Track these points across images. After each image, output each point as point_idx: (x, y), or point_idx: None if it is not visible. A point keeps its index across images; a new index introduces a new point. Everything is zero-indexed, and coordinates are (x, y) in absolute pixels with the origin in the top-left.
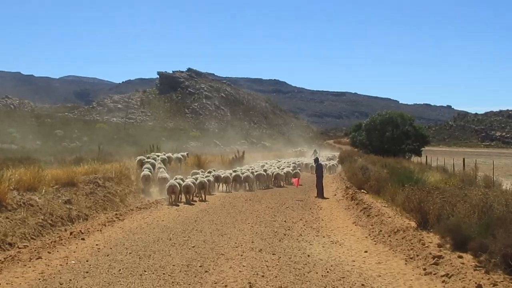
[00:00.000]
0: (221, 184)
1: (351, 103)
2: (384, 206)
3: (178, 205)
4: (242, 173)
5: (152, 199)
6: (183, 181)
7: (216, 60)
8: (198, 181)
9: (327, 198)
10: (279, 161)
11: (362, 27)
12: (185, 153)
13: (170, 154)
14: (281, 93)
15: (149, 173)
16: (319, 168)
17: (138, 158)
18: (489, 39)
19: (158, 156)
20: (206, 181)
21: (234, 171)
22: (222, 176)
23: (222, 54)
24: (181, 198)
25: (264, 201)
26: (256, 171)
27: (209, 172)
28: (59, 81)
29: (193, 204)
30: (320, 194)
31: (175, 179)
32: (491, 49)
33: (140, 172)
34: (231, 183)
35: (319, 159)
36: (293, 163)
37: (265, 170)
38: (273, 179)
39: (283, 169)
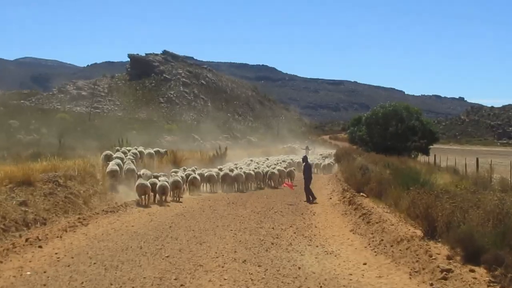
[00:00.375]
0: (204, 184)
1: (350, 93)
2: (386, 212)
3: (150, 207)
4: (231, 171)
5: (120, 200)
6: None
7: (196, 42)
8: (171, 180)
9: (316, 203)
10: (267, 159)
11: (362, 7)
12: (162, 150)
13: (142, 149)
14: (270, 81)
15: (117, 168)
16: (307, 169)
17: (105, 153)
18: (508, 24)
19: (128, 150)
20: (180, 181)
21: (220, 169)
22: (206, 174)
23: (202, 36)
24: (155, 200)
25: (249, 205)
26: (247, 170)
27: (193, 171)
28: (13, 64)
29: (168, 207)
30: (308, 198)
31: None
32: (509, 35)
33: (106, 167)
34: (218, 183)
35: (308, 158)
36: (283, 161)
37: (256, 169)
38: (266, 179)
39: (273, 167)
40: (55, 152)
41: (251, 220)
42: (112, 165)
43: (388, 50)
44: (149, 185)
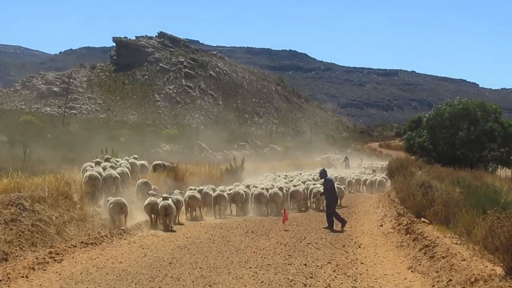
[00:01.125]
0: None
1: (406, 87)
2: (456, 243)
3: (158, 231)
4: (265, 189)
5: (103, 227)
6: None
7: (201, 21)
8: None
9: (344, 231)
10: (300, 174)
11: None
12: (160, 162)
13: (134, 160)
14: (301, 71)
15: (97, 174)
16: (328, 186)
17: (85, 165)
18: None
19: (118, 162)
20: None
21: (248, 187)
22: (228, 193)
23: (210, 14)
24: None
25: (273, 234)
26: (285, 187)
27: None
28: None
29: (168, 237)
30: (331, 224)
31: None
32: None
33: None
34: (249, 203)
35: (327, 172)
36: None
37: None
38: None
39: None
40: (19, 166)
41: (277, 254)
42: (91, 171)
43: (457, 31)
44: (157, 202)
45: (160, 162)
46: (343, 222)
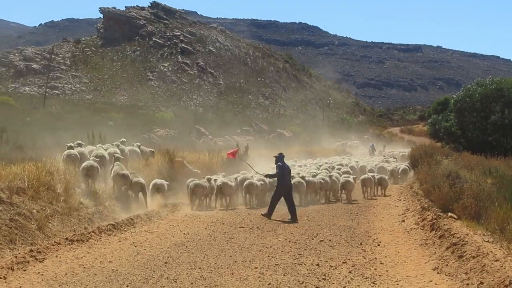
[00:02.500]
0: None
1: (431, 64)
2: (488, 241)
3: (152, 231)
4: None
5: (92, 221)
6: None
7: None
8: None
9: (287, 221)
10: (324, 164)
11: None
12: (147, 149)
13: (122, 146)
14: (312, 47)
15: (96, 164)
16: (286, 171)
17: (67, 152)
18: None
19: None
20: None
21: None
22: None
23: None
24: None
25: (281, 230)
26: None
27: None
28: None
29: (163, 233)
30: (270, 212)
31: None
32: None
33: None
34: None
35: (283, 157)
36: (345, 164)
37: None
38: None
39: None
40: None
41: (286, 253)
42: (88, 162)
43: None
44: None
45: (136, 145)
46: (269, 212)
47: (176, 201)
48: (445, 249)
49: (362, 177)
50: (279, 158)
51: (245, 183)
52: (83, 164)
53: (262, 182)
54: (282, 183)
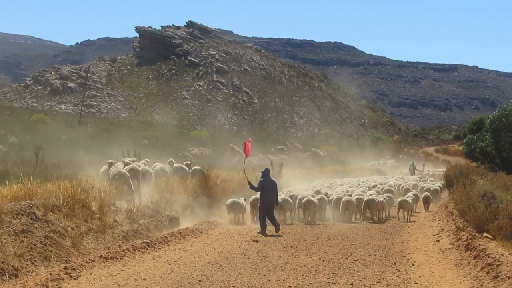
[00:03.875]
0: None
1: (467, 84)
2: None
3: (185, 250)
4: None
5: (126, 239)
6: None
7: (236, 10)
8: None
9: (280, 236)
10: (360, 183)
11: None
12: (186, 163)
13: (162, 165)
14: (347, 66)
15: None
16: (268, 187)
17: (105, 167)
18: None
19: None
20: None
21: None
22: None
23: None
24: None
25: (315, 249)
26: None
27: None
28: None
29: (196, 251)
30: (263, 228)
31: None
32: None
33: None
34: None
35: (268, 172)
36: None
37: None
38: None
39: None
40: (31, 170)
41: (319, 272)
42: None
43: None
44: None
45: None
46: (262, 228)
47: (209, 219)
48: (480, 269)
49: (400, 199)
50: (264, 174)
51: (303, 200)
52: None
53: (319, 198)
54: (262, 198)
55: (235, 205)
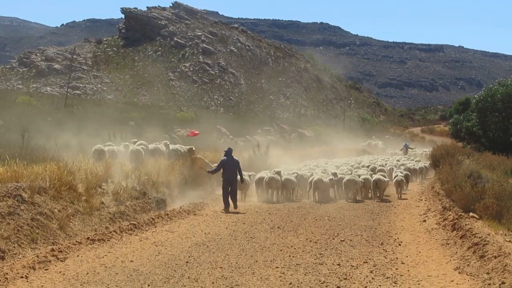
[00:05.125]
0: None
1: (453, 64)
2: (509, 241)
3: (172, 231)
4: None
5: (112, 220)
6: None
7: None
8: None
9: (236, 212)
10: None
11: None
12: (181, 147)
13: (157, 144)
14: (333, 47)
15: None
16: (229, 166)
17: (95, 148)
18: None
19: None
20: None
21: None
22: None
23: None
24: None
25: (302, 230)
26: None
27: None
28: None
29: (184, 233)
30: (227, 206)
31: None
32: None
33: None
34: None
35: (230, 152)
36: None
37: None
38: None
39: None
40: (17, 153)
41: (307, 252)
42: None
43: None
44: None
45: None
46: (225, 206)
47: (196, 201)
48: (467, 249)
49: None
50: (226, 153)
51: (314, 179)
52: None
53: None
54: (224, 176)
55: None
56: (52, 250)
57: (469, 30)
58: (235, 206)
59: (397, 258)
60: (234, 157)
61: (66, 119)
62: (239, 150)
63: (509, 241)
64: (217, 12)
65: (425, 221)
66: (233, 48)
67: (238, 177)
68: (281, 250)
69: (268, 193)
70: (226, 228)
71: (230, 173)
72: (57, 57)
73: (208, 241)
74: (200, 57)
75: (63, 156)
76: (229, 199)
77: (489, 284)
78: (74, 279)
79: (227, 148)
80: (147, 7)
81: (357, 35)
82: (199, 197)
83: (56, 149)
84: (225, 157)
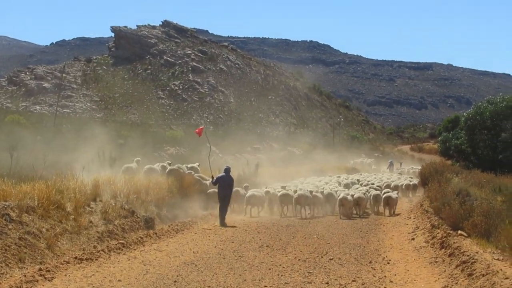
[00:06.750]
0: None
1: (442, 82)
2: (498, 259)
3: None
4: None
5: (100, 239)
6: None
7: (212, 9)
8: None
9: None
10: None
11: None
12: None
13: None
14: (322, 65)
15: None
16: (223, 182)
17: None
18: None
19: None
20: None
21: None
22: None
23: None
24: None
25: (291, 249)
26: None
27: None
28: None
29: (172, 252)
30: (223, 219)
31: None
32: None
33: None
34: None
35: (228, 170)
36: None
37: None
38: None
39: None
40: (5, 171)
41: (295, 271)
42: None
43: (499, 18)
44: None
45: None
46: (221, 221)
47: (185, 219)
48: (455, 267)
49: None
50: (224, 170)
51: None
52: None
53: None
54: (218, 193)
55: (253, 198)
56: (40, 269)
57: (458, 48)
58: (222, 222)
59: (385, 276)
60: (230, 175)
61: (55, 138)
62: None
63: (498, 259)
64: (206, 31)
65: (413, 239)
66: (223, 67)
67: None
68: (269, 269)
69: (296, 209)
70: (215, 246)
71: (223, 189)
72: (47, 76)
73: (196, 260)
74: (190, 75)
75: (52, 175)
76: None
77: None
78: None
79: (226, 166)
80: (137, 26)
81: (346, 53)
82: (188, 215)
83: (44, 168)
84: (223, 174)
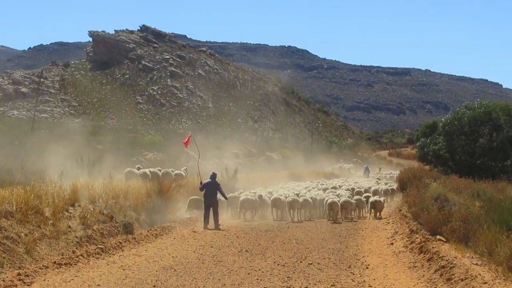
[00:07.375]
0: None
1: (420, 87)
2: (476, 264)
3: (142, 254)
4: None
5: (79, 243)
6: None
7: (190, 14)
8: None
9: (220, 229)
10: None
11: None
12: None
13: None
14: (301, 70)
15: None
16: (209, 187)
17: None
18: None
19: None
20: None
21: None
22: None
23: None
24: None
25: (270, 253)
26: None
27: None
28: None
29: (151, 256)
30: (206, 223)
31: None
32: None
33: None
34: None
35: (214, 176)
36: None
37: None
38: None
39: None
40: None
41: (274, 276)
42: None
43: (477, 24)
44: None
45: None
46: (204, 222)
47: (164, 224)
48: (434, 272)
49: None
50: (211, 177)
51: (328, 201)
52: None
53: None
54: (204, 197)
55: (247, 202)
56: (19, 274)
57: (436, 54)
58: (216, 227)
59: (364, 281)
60: (216, 180)
61: (33, 143)
62: (207, 173)
63: (476, 264)
64: (185, 36)
65: (392, 244)
66: (201, 72)
67: (219, 196)
68: (248, 274)
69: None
70: (194, 251)
71: (209, 194)
72: (25, 81)
73: (175, 265)
74: (168, 80)
75: (30, 180)
76: (210, 217)
77: None
78: None
79: (212, 173)
80: (115, 30)
81: (324, 58)
82: (167, 220)
83: (23, 173)
84: (209, 180)
